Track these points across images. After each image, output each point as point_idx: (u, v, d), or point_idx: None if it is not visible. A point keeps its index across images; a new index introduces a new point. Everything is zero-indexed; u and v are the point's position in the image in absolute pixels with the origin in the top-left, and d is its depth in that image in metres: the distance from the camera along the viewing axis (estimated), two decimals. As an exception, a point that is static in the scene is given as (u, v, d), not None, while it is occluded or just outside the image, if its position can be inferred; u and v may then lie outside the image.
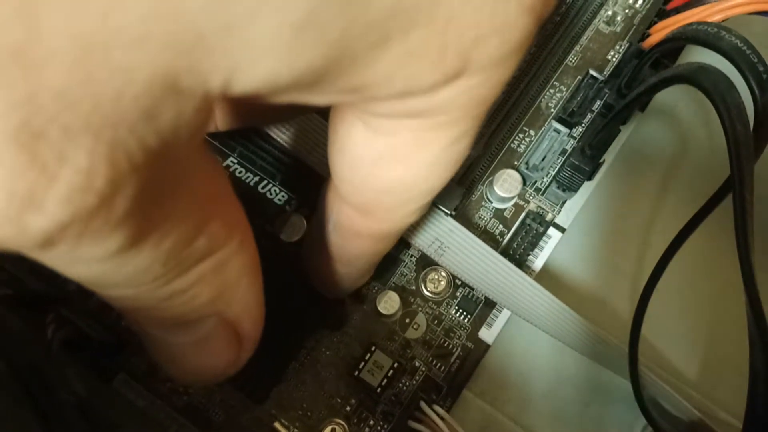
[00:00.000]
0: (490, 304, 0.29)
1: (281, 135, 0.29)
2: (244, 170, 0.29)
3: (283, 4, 0.11)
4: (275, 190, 0.29)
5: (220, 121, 0.26)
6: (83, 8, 0.10)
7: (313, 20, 0.12)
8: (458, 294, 0.29)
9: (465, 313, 0.29)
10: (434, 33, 0.13)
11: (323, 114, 0.28)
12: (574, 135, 0.31)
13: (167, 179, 0.13)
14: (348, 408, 0.27)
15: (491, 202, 0.31)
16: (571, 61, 0.33)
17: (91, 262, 0.13)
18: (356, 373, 0.27)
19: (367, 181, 0.19)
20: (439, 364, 0.28)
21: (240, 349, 0.19)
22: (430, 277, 0.29)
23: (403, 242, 0.29)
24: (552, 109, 0.32)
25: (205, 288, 0.16)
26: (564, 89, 0.32)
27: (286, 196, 0.29)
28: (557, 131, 0.31)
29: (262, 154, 0.29)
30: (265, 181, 0.29)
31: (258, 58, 0.12)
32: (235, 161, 0.30)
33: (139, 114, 0.11)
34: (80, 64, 0.10)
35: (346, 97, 0.15)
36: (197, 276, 0.16)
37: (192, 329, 0.18)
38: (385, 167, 0.18)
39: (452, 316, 0.29)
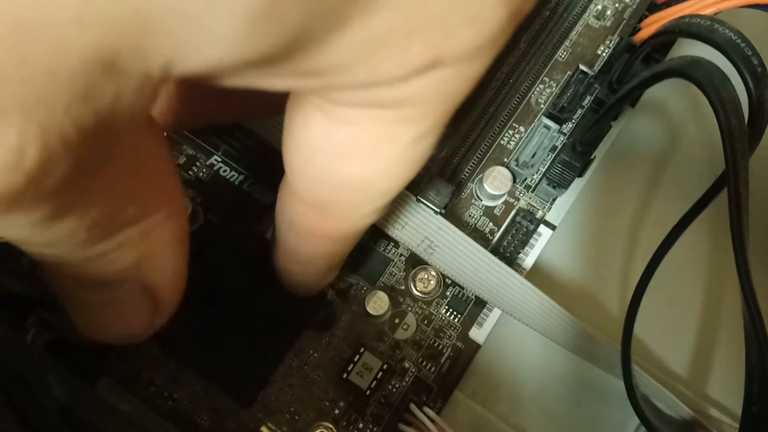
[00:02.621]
0: (480, 304, 0.29)
1: (266, 133, 0.28)
2: (228, 169, 0.29)
3: None
4: (261, 189, 0.29)
5: (178, 120, 0.25)
6: None
7: (273, 7, 0.11)
8: (448, 293, 0.29)
9: (455, 313, 0.28)
10: (398, 19, 0.13)
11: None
12: (565, 131, 0.31)
13: (102, 155, 0.13)
14: (337, 411, 0.27)
15: (481, 200, 0.30)
16: (560, 57, 0.32)
17: (15, 227, 0.13)
18: (345, 375, 0.27)
19: (323, 177, 0.18)
20: (429, 365, 0.28)
21: (154, 315, 0.19)
22: (419, 276, 0.28)
23: (391, 241, 0.29)
24: (542, 105, 0.32)
25: (128, 253, 0.16)
26: (554, 85, 0.32)
27: (271, 195, 0.29)
28: (547, 127, 0.31)
29: (247, 152, 0.29)
30: (250, 180, 0.29)
31: (205, 44, 0.11)
32: (220, 160, 0.29)
33: (74, 94, 0.11)
34: (10, 42, 0.10)
35: (303, 82, 0.15)
36: (120, 241, 0.16)
37: (109, 290, 0.18)
38: (344, 162, 0.17)
39: (442, 316, 0.28)
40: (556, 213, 0.30)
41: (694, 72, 0.20)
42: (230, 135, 0.29)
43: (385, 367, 0.27)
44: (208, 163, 0.29)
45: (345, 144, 0.17)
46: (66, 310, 0.20)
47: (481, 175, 0.30)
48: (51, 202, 0.12)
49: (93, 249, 0.15)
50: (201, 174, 0.29)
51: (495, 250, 0.29)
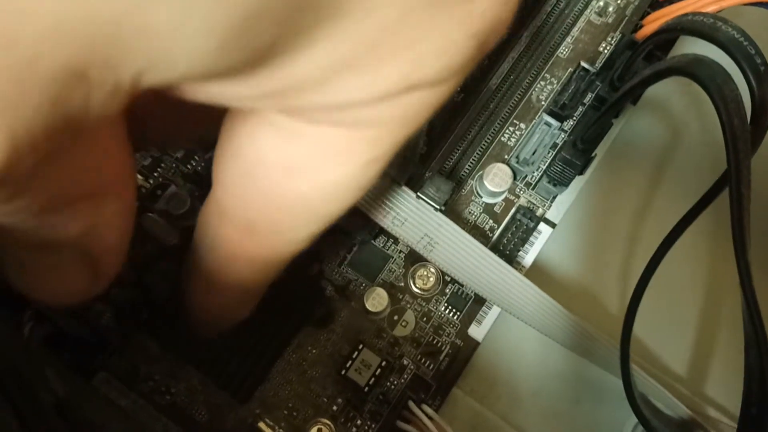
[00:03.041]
0: (479, 301, 0.28)
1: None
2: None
3: (209, 13, 0.11)
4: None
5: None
6: None
7: (243, 26, 0.11)
8: (447, 291, 0.29)
9: (454, 310, 0.28)
10: (367, 46, 0.13)
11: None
12: (566, 128, 0.31)
13: (66, 148, 0.13)
14: (335, 407, 0.27)
15: (481, 197, 0.30)
16: (562, 53, 0.32)
17: None
18: (343, 371, 0.27)
19: (262, 195, 0.18)
20: (428, 362, 0.28)
21: (92, 283, 0.19)
22: (419, 273, 0.28)
23: (391, 238, 0.29)
24: (543, 102, 0.31)
25: (76, 223, 0.16)
26: (555, 82, 0.32)
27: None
28: (548, 124, 0.31)
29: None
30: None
31: (175, 59, 0.11)
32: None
33: (43, 99, 0.11)
34: None
35: (269, 99, 0.15)
36: (70, 213, 0.16)
37: (52, 253, 0.18)
38: (288, 178, 0.17)
39: (441, 313, 0.28)
40: (556, 211, 0.30)
41: (696, 70, 0.20)
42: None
43: (383, 364, 0.27)
44: (206, 156, 0.29)
45: (291, 160, 0.17)
46: (1, 266, 0.20)
47: (481, 172, 0.30)
48: (9, 188, 0.13)
49: (42, 218, 0.15)
50: (199, 168, 0.29)
51: (495, 248, 0.29)
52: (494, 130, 0.31)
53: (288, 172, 0.17)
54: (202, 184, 0.28)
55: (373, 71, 0.14)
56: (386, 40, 0.13)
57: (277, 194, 0.18)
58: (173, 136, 0.25)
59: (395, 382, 0.27)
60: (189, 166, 0.29)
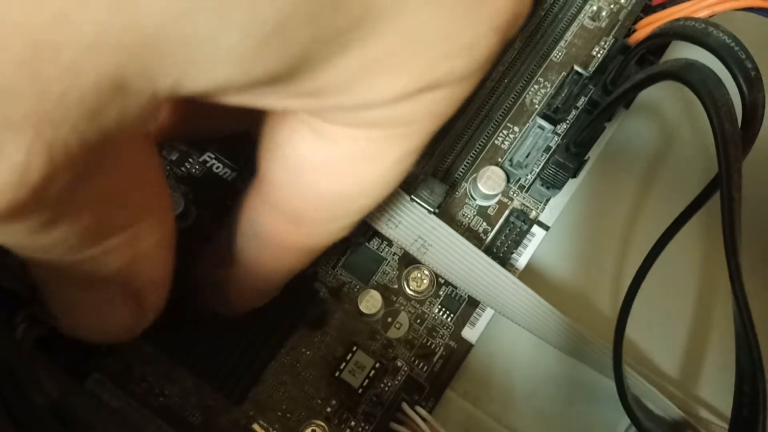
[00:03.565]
0: (473, 303, 0.29)
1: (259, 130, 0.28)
2: (221, 165, 0.29)
3: (248, 22, 0.11)
4: (254, 186, 0.29)
5: (185, 132, 0.25)
6: (39, 7, 0.10)
7: (279, 34, 0.11)
8: (441, 293, 0.29)
9: (448, 312, 0.28)
10: (397, 45, 0.13)
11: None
12: (559, 132, 0.31)
13: (98, 167, 0.13)
14: (328, 409, 0.27)
15: (475, 200, 0.30)
16: (555, 57, 0.33)
17: (8, 235, 0.13)
18: (337, 373, 0.27)
19: (305, 190, 0.18)
20: (421, 364, 0.28)
21: (139, 317, 0.20)
22: (412, 275, 0.28)
23: (385, 240, 0.29)
24: (536, 106, 0.32)
25: (116, 257, 0.17)
26: (548, 85, 0.32)
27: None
28: (542, 128, 0.31)
29: (240, 149, 0.29)
30: (243, 177, 0.29)
31: (214, 67, 0.12)
32: (213, 156, 0.29)
33: (82, 112, 0.11)
34: (28, 61, 0.10)
35: (301, 102, 0.15)
36: (110, 246, 0.16)
37: (96, 291, 0.18)
38: (328, 177, 0.18)
39: (435, 315, 0.28)
40: (549, 213, 0.30)
41: (688, 75, 0.20)
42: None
43: (377, 365, 0.27)
44: (200, 159, 0.29)
45: (331, 161, 0.17)
46: (49, 308, 0.20)
47: (475, 175, 0.30)
48: (45, 213, 0.13)
49: (82, 253, 0.15)
50: (194, 170, 0.29)
51: (488, 250, 0.29)
52: (488, 133, 0.31)
53: (327, 171, 0.17)
54: (196, 186, 0.28)
55: (401, 70, 0.14)
56: (416, 39, 0.13)
57: (319, 191, 0.18)
58: (192, 130, 0.25)
59: (389, 384, 0.27)
60: (183, 169, 0.29)
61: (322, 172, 0.18)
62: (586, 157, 0.29)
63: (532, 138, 0.31)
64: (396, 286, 0.29)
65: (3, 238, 0.14)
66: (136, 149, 0.15)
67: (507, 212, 0.30)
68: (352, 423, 0.27)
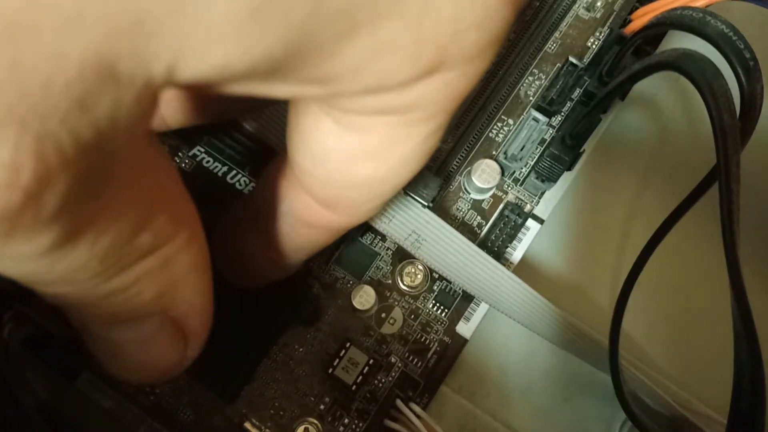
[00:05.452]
0: (467, 298, 0.28)
1: (250, 122, 0.28)
2: (212, 160, 0.28)
3: None
4: (245, 181, 0.28)
5: (172, 118, 0.24)
6: None
7: (270, 6, 0.11)
8: (435, 288, 0.28)
9: (442, 308, 0.28)
10: (409, 26, 0.13)
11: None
12: (554, 124, 0.31)
13: (105, 172, 0.12)
14: (322, 406, 0.26)
15: (469, 193, 0.30)
16: (550, 48, 0.32)
17: (21, 260, 0.12)
18: (330, 370, 0.26)
19: (334, 177, 0.18)
20: (415, 360, 0.27)
21: (186, 348, 0.19)
22: (406, 270, 0.28)
23: (378, 235, 0.29)
24: (531, 98, 0.31)
25: (149, 285, 0.16)
26: (543, 77, 0.32)
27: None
28: (536, 120, 0.30)
29: (231, 143, 0.28)
30: (234, 171, 0.28)
31: (208, 44, 0.11)
32: (203, 150, 0.28)
33: (71, 103, 0.10)
34: (5, 46, 0.09)
35: (309, 90, 0.14)
36: (140, 273, 0.15)
37: (135, 327, 0.17)
38: (355, 164, 0.17)
39: (429, 311, 0.28)
40: (544, 207, 0.30)
41: (686, 65, 0.20)
42: (214, 125, 0.28)
43: (371, 362, 0.27)
44: (190, 153, 0.28)
45: (356, 149, 0.17)
46: (96, 356, 0.19)
47: (469, 168, 0.29)
48: (55, 227, 0.12)
49: (110, 284, 0.15)
50: (184, 165, 0.28)
51: (483, 244, 0.29)
52: (482, 125, 0.31)
53: (353, 159, 0.17)
54: (186, 181, 0.28)
55: (413, 51, 0.13)
56: (427, 19, 0.13)
57: (347, 177, 0.18)
58: (197, 117, 0.25)
59: (383, 381, 0.27)
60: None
61: (347, 160, 0.17)
62: (581, 150, 0.29)
63: (527, 130, 0.30)
64: (390, 282, 0.28)
65: (19, 267, 0.13)
66: (141, 152, 0.14)
67: (501, 206, 0.30)
68: (346, 420, 0.26)
